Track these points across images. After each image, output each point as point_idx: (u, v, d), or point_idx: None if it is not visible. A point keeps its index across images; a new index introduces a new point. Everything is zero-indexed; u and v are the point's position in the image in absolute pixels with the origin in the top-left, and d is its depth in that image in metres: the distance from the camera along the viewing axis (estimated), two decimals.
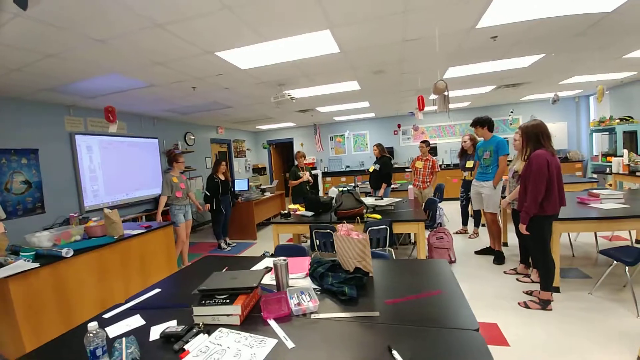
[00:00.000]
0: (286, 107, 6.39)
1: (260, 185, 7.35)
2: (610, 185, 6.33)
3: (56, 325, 2.46)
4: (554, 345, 2.26)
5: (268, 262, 2.24)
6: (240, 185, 7.22)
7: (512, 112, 6.75)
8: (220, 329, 1.37)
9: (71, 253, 2.61)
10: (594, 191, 3.57)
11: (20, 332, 2.24)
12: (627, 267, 2.67)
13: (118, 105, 5.08)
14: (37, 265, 2.43)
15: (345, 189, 3.94)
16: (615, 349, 2.16)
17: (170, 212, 4.37)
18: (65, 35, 2.42)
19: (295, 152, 5.80)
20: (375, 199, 4.12)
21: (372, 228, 3.21)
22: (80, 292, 2.71)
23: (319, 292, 1.66)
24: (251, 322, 1.41)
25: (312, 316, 1.43)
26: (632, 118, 6.44)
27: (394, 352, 1.09)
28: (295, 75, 4.01)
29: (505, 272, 3.52)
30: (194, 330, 1.34)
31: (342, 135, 9.23)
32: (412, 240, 4.80)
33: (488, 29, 2.93)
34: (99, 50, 2.77)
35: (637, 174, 5.34)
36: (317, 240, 3.38)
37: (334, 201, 3.83)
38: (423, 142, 5.39)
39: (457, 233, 5.22)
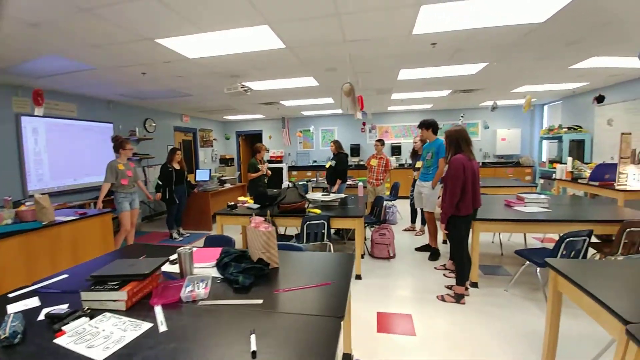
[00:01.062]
0: (248, 99, 6.36)
1: (223, 176, 7.30)
2: (554, 190, 6.77)
3: None
4: (456, 337, 2.44)
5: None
6: (201, 175, 7.14)
7: (462, 116, 7.07)
8: (105, 313, 1.41)
9: None
10: (522, 195, 3.83)
11: None
12: (537, 269, 2.89)
13: (68, 87, 4.93)
14: None
15: (290, 183, 4.02)
16: (518, 346, 2.29)
17: (115, 200, 4.29)
18: None
19: (259, 144, 5.78)
20: (323, 194, 4.23)
21: (310, 222, 3.31)
22: (4, 274, 2.65)
23: (218, 281, 1.73)
24: (139, 307, 1.46)
25: (200, 303, 1.50)
26: (580, 127, 6.88)
27: (252, 337, 1.18)
28: (248, 67, 4.02)
29: (435, 268, 3.73)
30: (77, 314, 1.38)
31: (307, 130, 9.28)
32: None
33: (425, 35, 3.07)
34: (35, 33, 2.70)
35: (579, 181, 5.70)
36: None
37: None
38: (378, 140, 5.54)
39: (405, 230, 5.44)
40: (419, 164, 5.01)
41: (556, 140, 7.64)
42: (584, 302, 1.57)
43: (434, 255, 4.03)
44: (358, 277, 3.51)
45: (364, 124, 8.86)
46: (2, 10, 2.13)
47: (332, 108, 8.27)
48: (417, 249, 4.39)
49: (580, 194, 6.73)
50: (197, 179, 7.06)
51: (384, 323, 2.64)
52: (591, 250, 3.36)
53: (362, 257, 4.18)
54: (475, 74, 4.69)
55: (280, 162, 9.42)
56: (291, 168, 9.70)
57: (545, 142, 7.94)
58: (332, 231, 5.21)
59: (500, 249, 4.30)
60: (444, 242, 4.65)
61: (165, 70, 4.01)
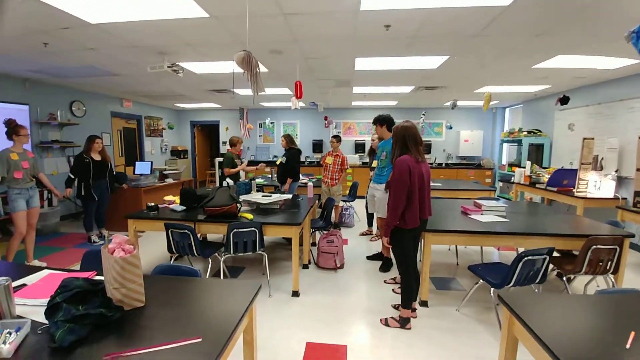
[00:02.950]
0: (194, 85, 5.65)
1: (165, 170, 6.52)
2: (512, 194, 6.68)
3: None
4: None
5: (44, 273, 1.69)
6: (141, 168, 6.34)
7: (423, 114, 6.80)
8: None
9: None
10: (479, 201, 3.52)
11: None
12: (492, 289, 2.51)
13: None
14: None
15: (227, 182, 3.45)
16: None
17: (8, 197, 3.50)
18: None
19: (230, 136, 5.30)
20: (263, 195, 3.69)
21: (237, 230, 2.77)
22: None
23: (40, 332, 1.17)
24: None
25: None
26: (540, 131, 6.81)
27: None
28: (174, 43, 3.36)
29: (385, 281, 3.33)
30: None
31: (264, 122, 8.63)
32: (312, 241, 4.46)
33: (375, 12, 2.60)
34: None
35: (537, 185, 5.56)
36: (175, 243, 2.84)
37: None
38: (334, 137, 5.09)
39: (363, 234, 5.04)
40: (375, 164, 4.64)
41: (516, 144, 7.60)
42: None
43: (386, 265, 3.64)
44: (295, 293, 3.02)
45: (326, 118, 8.39)
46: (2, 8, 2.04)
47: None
48: (368, 258, 3.99)
49: (537, 199, 6.72)
50: (135, 172, 6.25)
51: (312, 358, 2.16)
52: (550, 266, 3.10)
53: (307, 267, 3.70)
54: (437, 68, 4.33)
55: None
56: (250, 163, 9.03)
57: (505, 145, 7.89)
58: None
59: (456, 258, 3.98)
60: None
61: (70, 40, 3.26)
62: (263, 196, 3.65)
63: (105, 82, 5.60)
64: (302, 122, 9.16)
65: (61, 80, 5.44)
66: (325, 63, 4.20)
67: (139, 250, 1.43)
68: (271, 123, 9.10)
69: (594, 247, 2.53)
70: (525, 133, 6.95)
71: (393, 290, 3.12)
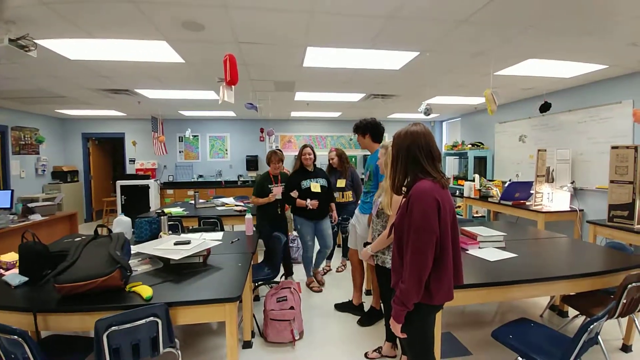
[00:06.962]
0: (76, 81, 4.04)
1: (30, 202, 4.58)
2: (459, 207, 6.44)
3: None
4: None
5: None
6: None
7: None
8: None
9: None
10: (468, 229, 2.82)
11: None
12: None
13: None
14: None
15: (103, 227, 2.11)
16: None
17: None
18: None
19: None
20: (177, 242, 2.39)
21: (118, 328, 1.48)
22: None
23: None
24: None
25: None
26: (482, 144, 6.75)
27: None
28: (29, 3, 1.98)
29: (366, 356, 2.33)
30: None
31: (183, 135, 7.06)
32: (255, 294, 3.23)
33: None
34: None
35: (489, 199, 5.32)
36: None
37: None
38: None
39: (339, 270, 4.03)
40: (340, 183, 3.84)
41: (459, 157, 7.53)
42: None
43: (368, 316, 2.64)
44: None
45: (261, 130, 7.27)
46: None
47: (221, 109, 6.42)
48: (337, 307, 2.97)
49: (482, 212, 6.62)
50: None
51: None
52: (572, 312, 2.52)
53: (250, 344, 2.50)
54: (400, 69, 3.64)
55: (146, 177, 6.95)
56: (167, 185, 7.35)
57: (449, 158, 7.79)
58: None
59: None
60: (368, 292, 3.33)
61: None
62: (177, 243, 2.36)
63: None
64: (233, 135, 7.85)
65: None
66: (266, 52, 3.16)
67: None
68: (193, 136, 7.59)
69: (631, 285, 1.98)
70: (470, 146, 6.86)
71: None
